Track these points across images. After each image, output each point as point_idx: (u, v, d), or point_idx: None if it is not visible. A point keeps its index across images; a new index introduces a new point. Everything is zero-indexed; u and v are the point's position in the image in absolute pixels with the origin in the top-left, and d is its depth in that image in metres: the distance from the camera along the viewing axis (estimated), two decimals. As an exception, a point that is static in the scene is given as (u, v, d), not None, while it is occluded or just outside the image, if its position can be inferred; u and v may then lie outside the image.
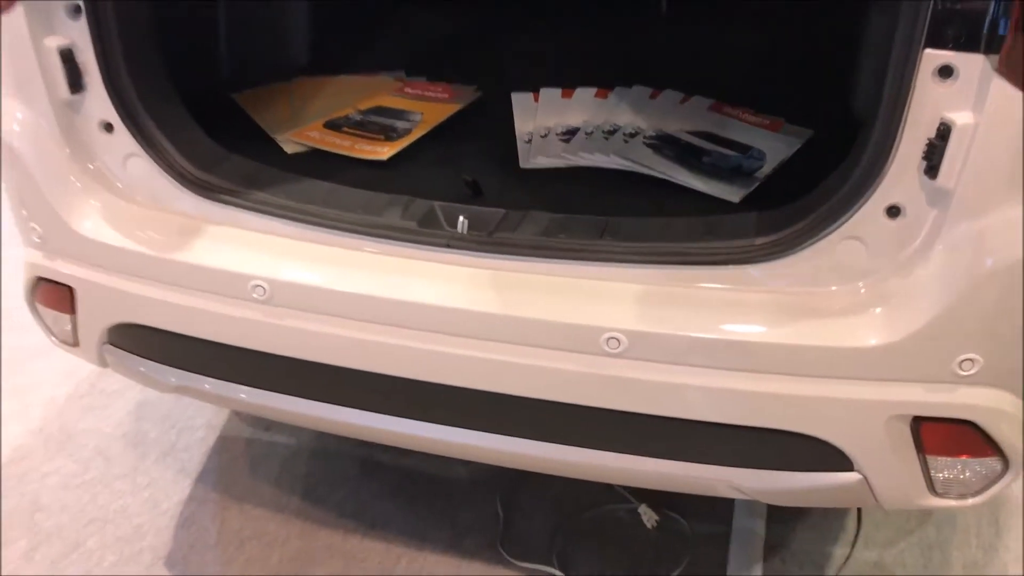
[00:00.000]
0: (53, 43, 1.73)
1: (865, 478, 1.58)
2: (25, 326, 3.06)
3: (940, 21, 1.32)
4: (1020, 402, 1.52)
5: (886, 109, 1.40)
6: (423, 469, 2.51)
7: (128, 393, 2.84)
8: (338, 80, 2.38)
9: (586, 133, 2.06)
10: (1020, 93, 1.29)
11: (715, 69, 2.40)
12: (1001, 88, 1.30)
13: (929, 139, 1.38)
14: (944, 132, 1.35)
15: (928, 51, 1.34)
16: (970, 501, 1.62)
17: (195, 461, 2.58)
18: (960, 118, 1.34)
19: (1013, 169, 1.35)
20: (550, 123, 2.12)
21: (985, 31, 1.30)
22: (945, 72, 1.34)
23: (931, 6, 1.30)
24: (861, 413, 1.51)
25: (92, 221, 1.82)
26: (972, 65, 1.32)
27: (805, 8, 2.50)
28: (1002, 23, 1.28)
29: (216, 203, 1.77)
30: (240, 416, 2.72)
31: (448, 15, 2.78)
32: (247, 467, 2.56)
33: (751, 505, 2.31)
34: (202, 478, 2.53)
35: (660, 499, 2.31)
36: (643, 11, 2.75)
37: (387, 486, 2.47)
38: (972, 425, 1.51)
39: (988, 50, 1.31)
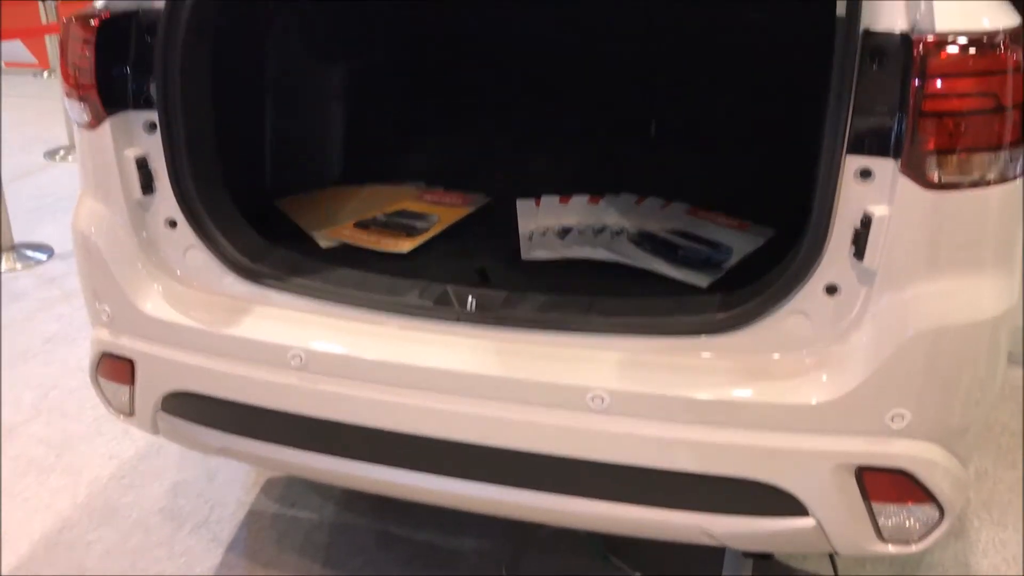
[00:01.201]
0: (131, 153, 2.08)
1: (819, 523, 1.80)
2: (74, 414, 3.37)
3: (858, 134, 1.64)
4: (949, 454, 1.75)
5: (819, 204, 1.70)
6: (434, 542, 2.72)
7: (166, 474, 3.09)
8: (367, 189, 2.74)
9: (579, 231, 2.38)
10: (919, 188, 1.59)
11: (694, 181, 2.74)
12: (906, 185, 1.61)
13: (855, 228, 1.67)
14: (866, 222, 1.65)
15: (850, 157, 1.65)
16: (914, 548, 1.84)
17: (226, 532, 2.81)
18: (878, 210, 1.63)
19: (924, 250, 1.64)
20: (548, 223, 2.44)
21: (892, 141, 1.62)
22: (865, 174, 1.65)
23: (849, 122, 1.62)
24: (810, 462, 1.76)
25: (154, 302, 2.12)
26: (885, 167, 1.63)
27: (773, 135, 2.86)
28: (903, 135, 1.60)
29: (261, 287, 2.07)
30: (267, 493, 2.96)
31: (464, 136, 3.15)
32: (274, 538, 2.78)
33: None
34: (232, 547, 2.75)
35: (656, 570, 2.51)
36: (635, 134, 3.11)
37: (401, 556, 2.68)
38: (907, 474, 1.74)
39: (896, 155, 1.62)
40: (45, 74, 8.73)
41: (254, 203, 2.37)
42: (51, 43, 7.16)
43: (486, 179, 2.82)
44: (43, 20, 6.16)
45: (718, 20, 2.79)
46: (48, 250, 4.83)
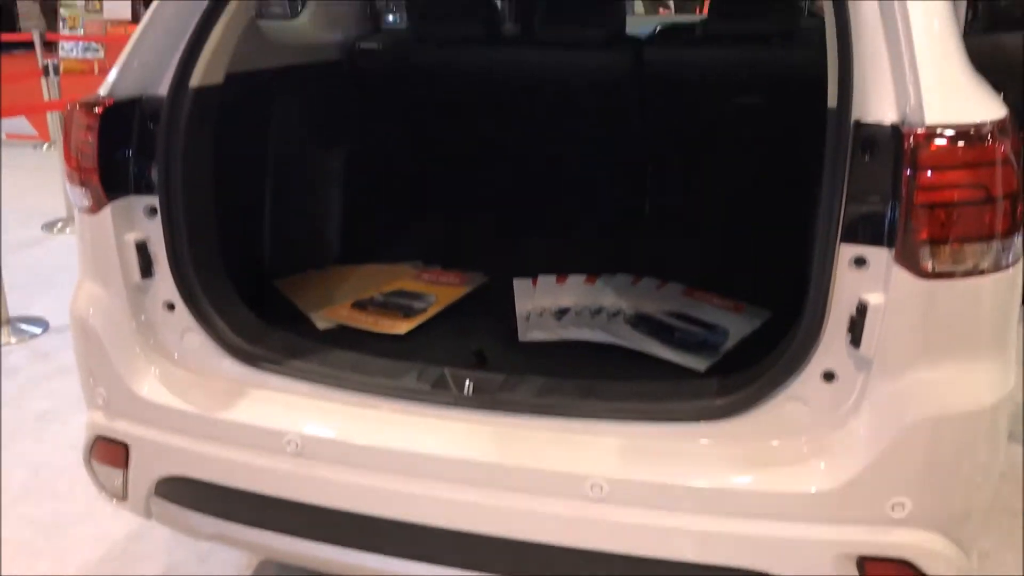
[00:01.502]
0: (131, 237, 2.09)
1: None
2: (64, 494, 3.32)
3: (851, 222, 1.66)
4: (951, 542, 1.74)
5: (815, 291, 1.71)
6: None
7: (157, 556, 3.04)
8: (365, 268, 2.75)
9: (575, 312, 2.39)
10: (913, 278, 1.61)
11: (689, 261, 2.76)
12: (900, 274, 1.62)
13: (851, 316, 1.68)
14: (862, 310, 1.66)
15: (844, 245, 1.67)
16: (917, 637, 1.81)
17: (215, 616, 2.76)
18: (873, 299, 1.65)
19: (920, 338, 1.65)
20: (546, 303, 2.45)
21: (885, 230, 1.64)
22: (859, 262, 1.67)
23: (843, 212, 1.65)
24: (812, 552, 1.74)
25: (151, 386, 2.11)
26: (879, 256, 1.65)
27: (766, 217, 2.90)
28: (896, 225, 1.62)
29: (258, 370, 2.07)
30: (258, 577, 2.91)
31: (462, 216, 3.18)
32: (264, 622, 2.73)
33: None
34: (220, 631, 2.70)
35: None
36: (629, 211, 3.14)
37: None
38: (909, 564, 1.72)
39: (889, 244, 1.64)
40: (45, 146, 8.82)
41: (252, 283, 2.38)
42: (52, 116, 7.26)
43: (484, 259, 2.84)
44: (46, 96, 6.25)
45: (712, 105, 2.85)
46: (43, 324, 4.82)
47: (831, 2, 1.78)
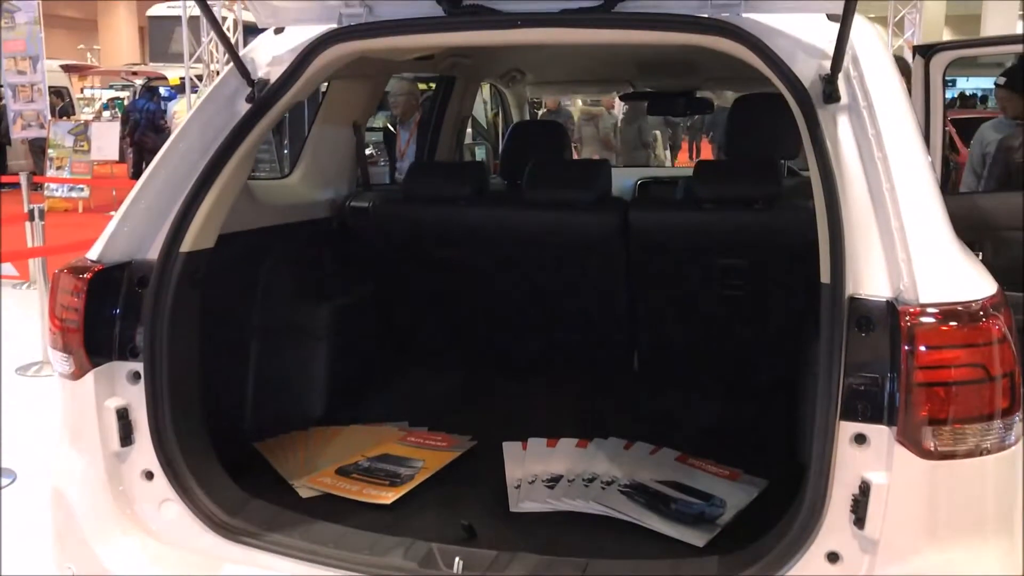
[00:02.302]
0: (113, 404, 2.04)
1: None
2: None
3: (850, 399, 1.64)
4: None
5: (816, 469, 1.67)
6: None
7: None
8: (348, 430, 2.69)
9: (568, 480, 2.33)
10: (916, 457, 1.58)
11: (681, 421, 2.73)
12: (903, 453, 1.59)
13: (854, 495, 1.64)
14: (865, 489, 1.62)
15: (844, 422, 1.64)
16: None
17: None
18: (876, 478, 1.61)
19: (925, 519, 1.61)
20: (537, 470, 2.39)
21: (885, 408, 1.62)
22: (860, 439, 1.64)
23: (841, 389, 1.63)
24: None
25: (124, 561, 2.01)
26: (880, 434, 1.62)
27: (756, 378, 2.91)
28: (896, 403, 1.60)
29: (238, 545, 1.98)
30: None
31: (447, 375, 3.15)
32: None
33: None
34: None
35: None
36: (617, 368, 3.13)
37: None
38: None
39: (890, 422, 1.62)
40: (24, 285, 8.78)
41: (233, 447, 2.32)
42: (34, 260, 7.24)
43: (471, 416, 2.80)
44: (29, 242, 6.25)
45: (696, 264, 2.88)
46: (11, 475, 4.65)
47: (819, 178, 1.82)
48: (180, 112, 13.09)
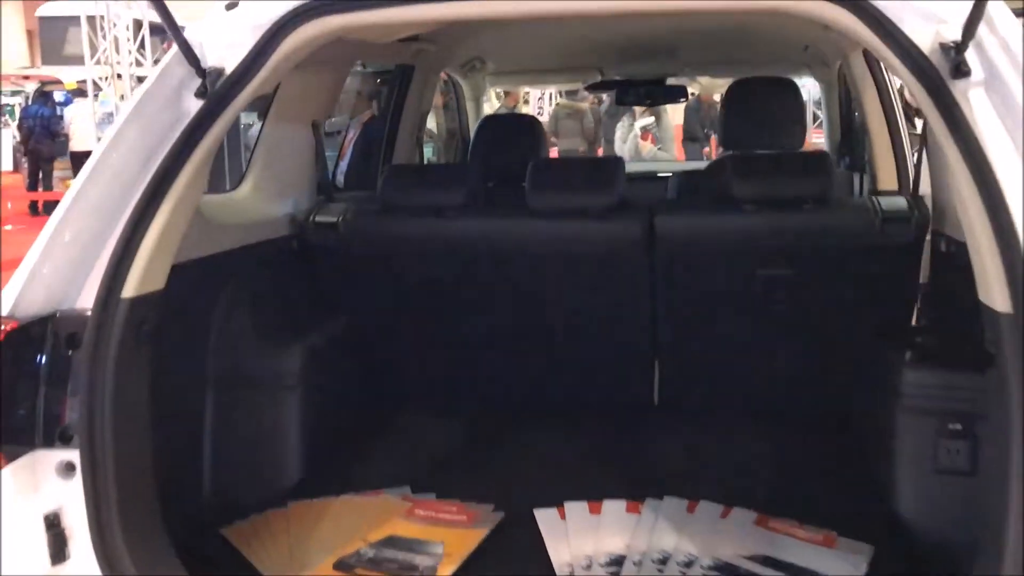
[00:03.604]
0: (38, 509, 1.51)
1: None
2: None
3: None
4: None
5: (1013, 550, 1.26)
6: None
7: None
8: (338, 503, 2.16)
9: (634, 563, 1.85)
10: None
11: (735, 469, 2.30)
12: None
13: None
14: None
15: None
16: None
17: None
18: None
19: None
20: (588, 548, 1.91)
21: None
22: None
23: None
24: None
25: None
26: None
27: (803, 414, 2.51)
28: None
29: None
30: None
31: (445, 422, 2.65)
32: None
33: None
34: None
35: None
36: (641, 402, 2.67)
37: None
38: None
39: None
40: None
41: (192, 536, 1.80)
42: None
43: (484, 477, 2.31)
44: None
45: (734, 276, 2.46)
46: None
47: (969, 174, 1.42)
48: (82, 117, 12.14)
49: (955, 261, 2.26)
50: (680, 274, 2.47)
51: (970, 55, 1.50)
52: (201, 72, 1.70)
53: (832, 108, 4.21)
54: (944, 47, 1.50)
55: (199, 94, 1.70)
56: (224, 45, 1.74)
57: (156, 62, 1.82)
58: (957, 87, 1.50)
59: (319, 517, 2.10)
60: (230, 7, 1.80)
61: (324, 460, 2.36)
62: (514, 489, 2.19)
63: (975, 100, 1.49)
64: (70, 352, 1.57)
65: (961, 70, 1.48)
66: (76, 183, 1.67)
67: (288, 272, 2.55)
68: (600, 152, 9.63)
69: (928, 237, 2.37)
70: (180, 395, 2.06)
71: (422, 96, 3.71)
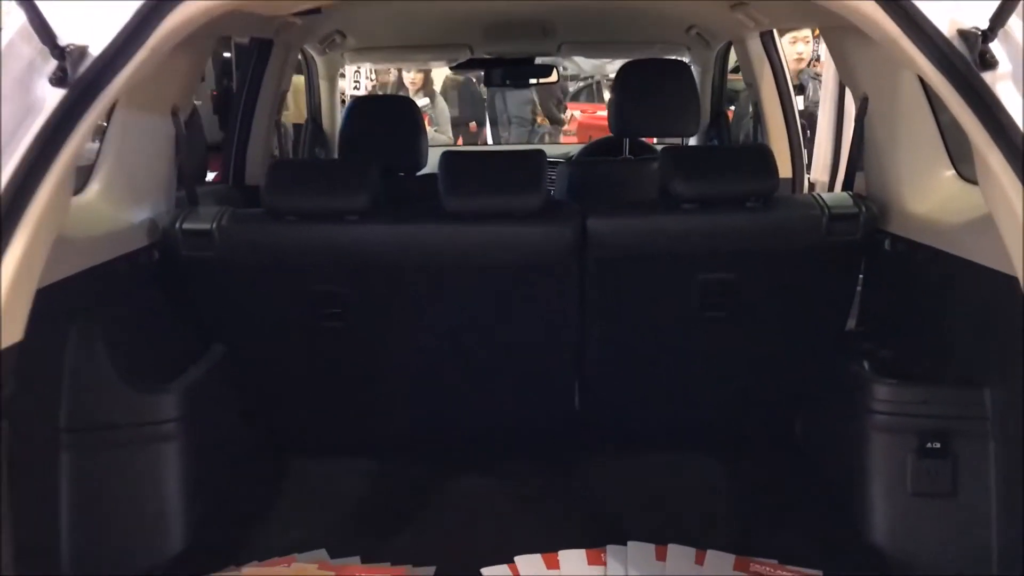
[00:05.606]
0: None
1: None
2: None
3: None
4: None
5: None
6: None
7: None
8: (242, 577, 1.78)
9: (615, 630, 1.60)
10: None
11: (691, 501, 2.09)
12: None
13: None
14: None
15: None
16: None
17: None
18: None
19: None
20: (555, 616, 1.64)
21: None
22: None
23: None
24: None
25: None
26: None
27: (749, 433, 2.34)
28: None
29: None
30: None
31: (354, 468, 2.29)
32: None
33: None
34: None
35: None
36: (565, 429, 2.41)
37: None
38: None
39: None
40: None
41: None
42: None
43: (412, 531, 1.98)
44: None
45: (670, 281, 2.24)
46: None
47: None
48: None
49: (899, 261, 2.13)
50: (612, 281, 2.22)
51: (995, 46, 1.36)
52: (58, 52, 1.29)
53: (704, 92, 4.10)
54: (965, 35, 1.35)
55: (56, 80, 1.29)
56: (84, 18, 1.34)
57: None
58: (983, 78, 1.35)
59: (220, 600, 1.72)
60: None
61: (213, 523, 1.96)
62: (452, 544, 1.89)
63: (1003, 91, 1.35)
64: None
65: (987, 60, 1.33)
66: None
67: (151, 292, 2.11)
68: None
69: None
70: (25, 455, 1.62)
71: (281, 74, 3.28)
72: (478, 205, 2.12)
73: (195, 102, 2.57)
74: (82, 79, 1.30)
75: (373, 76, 10.22)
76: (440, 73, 9.44)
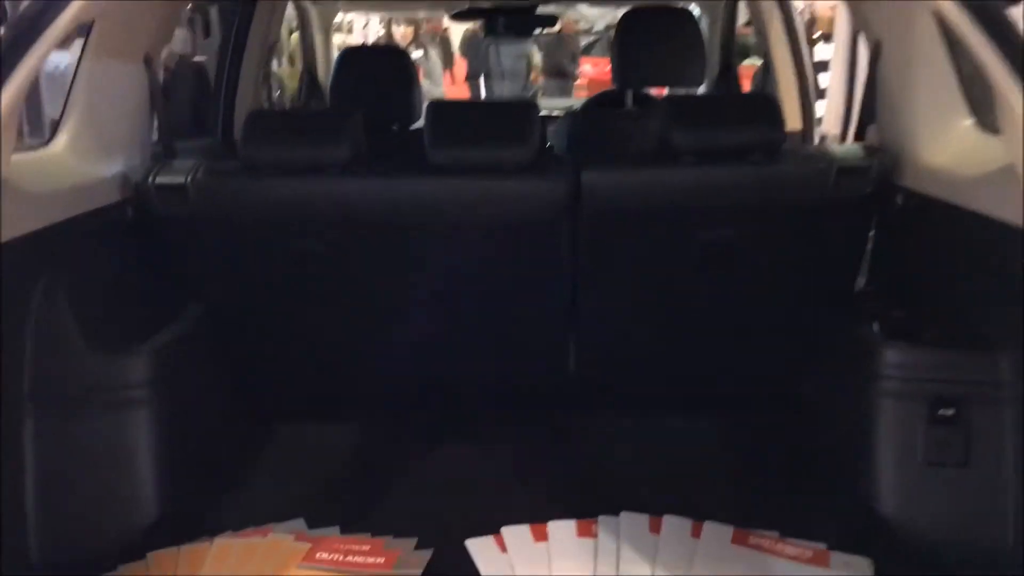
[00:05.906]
0: None
1: None
2: None
3: None
4: None
5: None
6: None
7: None
8: (213, 549, 1.69)
9: (605, 607, 1.51)
10: None
11: (687, 466, 2.00)
12: None
13: None
14: None
15: None
16: None
17: None
18: None
19: None
20: (542, 590, 1.56)
21: None
22: None
23: None
24: None
25: None
26: None
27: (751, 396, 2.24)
28: None
29: None
30: None
31: (334, 432, 2.21)
32: None
33: None
34: None
35: None
36: (556, 392, 2.32)
37: None
38: None
39: None
40: None
41: None
42: None
43: (395, 500, 1.90)
44: None
45: (669, 239, 2.13)
46: None
47: None
48: None
49: (912, 217, 2.01)
50: (608, 238, 2.11)
51: None
52: None
53: (713, 41, 3.95)
54: None
55: None
56: None
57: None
58: (1009, 13, 1.25)
59: (188, 569, 1.64)
60: None
61: (187, 492, 1.88)
62: (436, 514, 1.80)
63: None
64: None
65: None
66: None
67: (123, 250, 2.02)
68: None
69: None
70: None
71: (270, 25, 3.15)
72: (465, 158, 2.01)
73: (199, 58, 2.47)
74: (24, 19, 1.20)
75: (382, 31, 10.01)
76: (458, 30, 9.26)
